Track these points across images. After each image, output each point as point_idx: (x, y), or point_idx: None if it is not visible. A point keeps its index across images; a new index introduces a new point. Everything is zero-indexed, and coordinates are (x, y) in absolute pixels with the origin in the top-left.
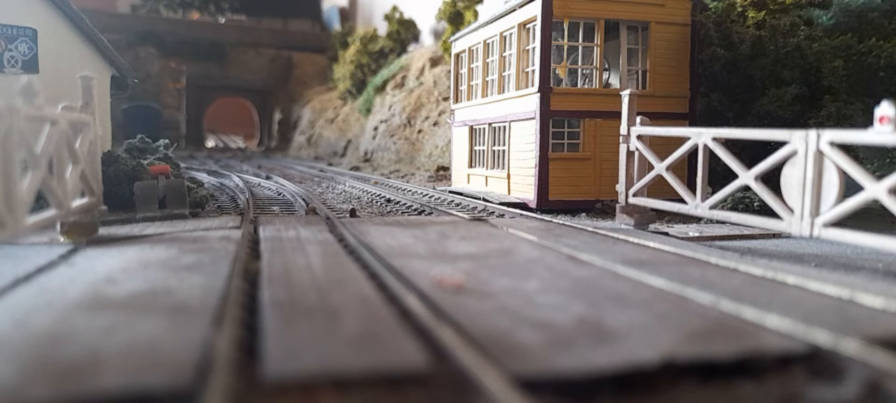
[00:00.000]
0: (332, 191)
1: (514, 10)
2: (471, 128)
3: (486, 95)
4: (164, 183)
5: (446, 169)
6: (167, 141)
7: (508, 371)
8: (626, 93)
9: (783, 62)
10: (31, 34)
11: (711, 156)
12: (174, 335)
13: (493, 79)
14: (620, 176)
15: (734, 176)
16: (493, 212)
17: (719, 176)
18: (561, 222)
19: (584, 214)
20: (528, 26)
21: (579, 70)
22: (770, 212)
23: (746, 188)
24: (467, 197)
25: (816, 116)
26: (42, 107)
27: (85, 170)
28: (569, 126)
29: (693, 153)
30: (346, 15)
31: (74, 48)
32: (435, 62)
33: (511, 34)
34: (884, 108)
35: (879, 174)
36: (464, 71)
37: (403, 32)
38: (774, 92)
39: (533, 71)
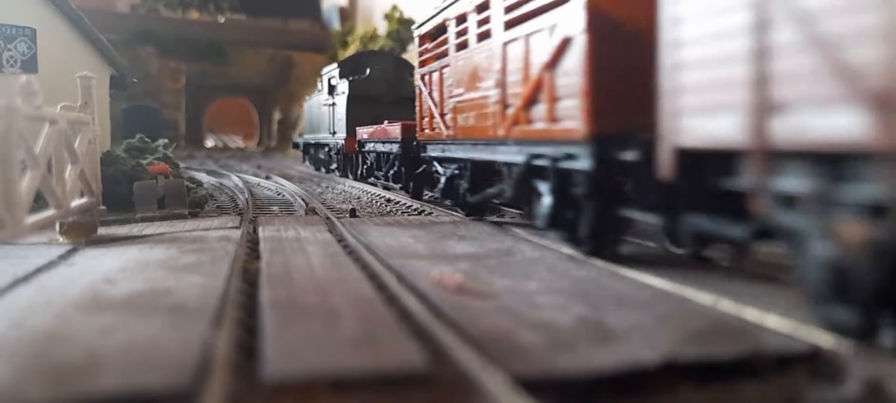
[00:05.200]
0: (331, 190)
1: None
2: None
3: None
4: (163, 183)
5: None
6: (166, 140)
7: (509, 372)
8: None
9: None
10: (30, 33)
11: None
12: (173, 335)
13: None
14: None
15: None
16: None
17: None
18: None
19: None
20: None
21: None
22: None
23: None
24: None
25: None
26: (41, 107)
27: (84, 170)
28: None
29: None
30: (346, 14)
31: (73, 48)
32: None
33: None
34: None
35: None
36: None
37: (403, 31)
38: None
39: None
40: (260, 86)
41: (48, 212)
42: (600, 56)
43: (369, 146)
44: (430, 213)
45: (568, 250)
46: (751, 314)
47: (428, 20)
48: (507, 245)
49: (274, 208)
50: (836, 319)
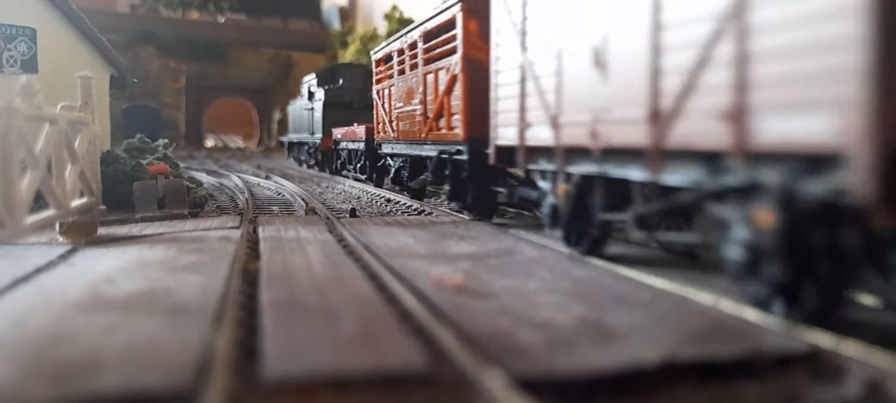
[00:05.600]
0: (331, 190)
1: None
2: None
3: None
4: (163, 183)
5: None
6: (166, 140)
7: (508, 372)
8: None
9: None
10: (30, 33)
11: None
12: (173, 335)
13: None
14: None
15: None
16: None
17: None
18: None
19: None
20: None
21: None
22: None
23: None
24: None
25: None
26: (41, 107)
27: (84, 170)
28: None
29: None
30: (346, 14)
31: (73, 47)
32: None
33: None
34: None
35: None
36: None
37: None
38: None
39: None
40: (260, 87)
41: (48, 212)
42: (471, 89)
43: (342, 144)
44: (430, 213)
45: (567, 250)
46: (751, 314)
47: (381, 49)
48: (507, 245)
49: (274, 208)
50: (556, 237)
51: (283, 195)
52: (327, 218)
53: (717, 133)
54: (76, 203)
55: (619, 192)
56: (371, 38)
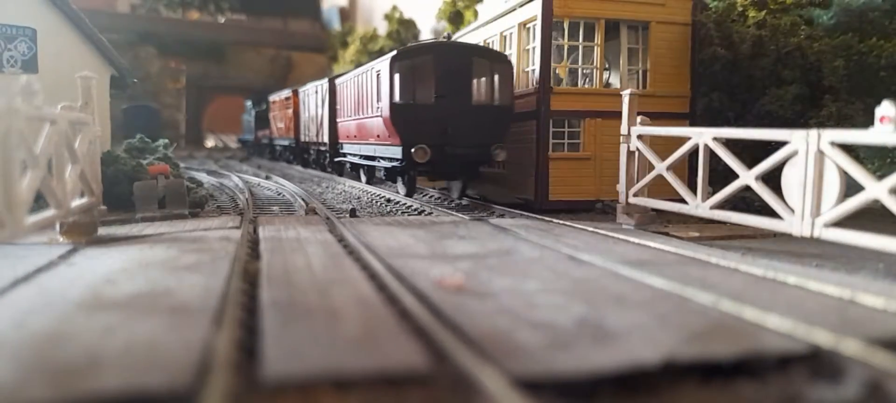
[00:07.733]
0: (331, 190)
1: (515, 9)
2: None
3: None
4: (163, 183)
5: None
6: (166, 141)
7: (508, 372)
8: (626, 93)
9: (784, 62)
10: (30, 34)
11: (712, 156)
12: (174, 335)
13: None
14: (621, 176)
15: (735, 175)
16: (493, 212)
17: (720, 175)
18: (561, 222)
19: (584, 214)
20: (528, 26)
21: (579, 70)
22: (771, 212)
23: (747, 188)
24: (467, 196)
25: (817, 116)
26: (41, 107)
27: (84, 170)
28: (569, 126)
29: (693, 153)
30: (346, 14)
31: (74, 48)
32: None
33: (511, 33)
34: (884, 108)
35: (880, 174)
36: None
37: (403, 32)
38: (775, 91)
39: (533, 70)
40: (260, 87)
41: (48, 212)
42: (295, 120)
43: (263, 139)
44: (430, 213)
45: (567, 250)
46: (751, 314)
47: (273, 97)
48: (508, 245)
49: (274, 208)
50: (322, 167)
51: (284, 195)
52: (327, 218)
53: (316, 136)
54: (76, 203)
55: (324, 154)
56: (371, 39)
